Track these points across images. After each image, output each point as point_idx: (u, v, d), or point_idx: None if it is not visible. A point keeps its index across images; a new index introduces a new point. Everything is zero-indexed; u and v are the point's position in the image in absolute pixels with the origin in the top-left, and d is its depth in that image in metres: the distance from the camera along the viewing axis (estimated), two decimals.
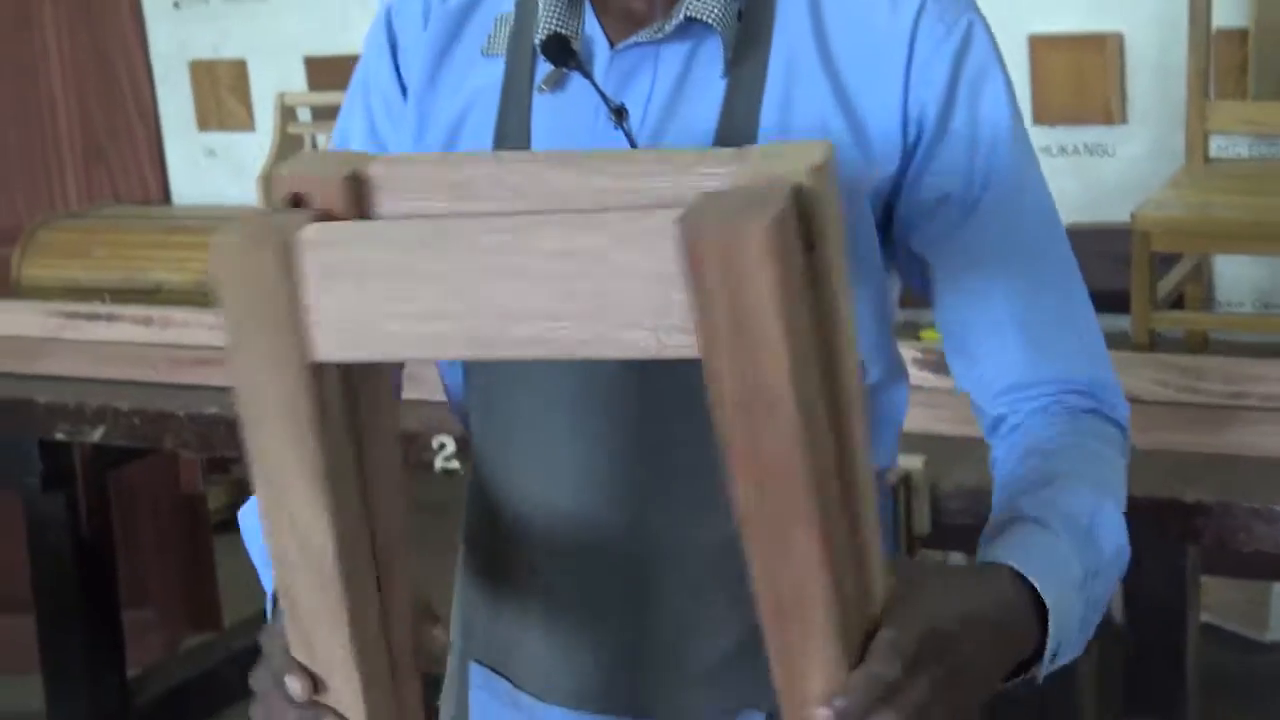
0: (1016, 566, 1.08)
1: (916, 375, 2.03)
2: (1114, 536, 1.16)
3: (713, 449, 0.91)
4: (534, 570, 1.29)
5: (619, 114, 1.23)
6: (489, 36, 1.30)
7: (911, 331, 2.50)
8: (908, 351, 1.48)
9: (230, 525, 1.45)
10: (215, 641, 3.50)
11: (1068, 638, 1.11)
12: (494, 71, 1.29)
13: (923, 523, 1.99)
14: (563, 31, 1.24)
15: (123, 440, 2.63)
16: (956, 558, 2.34)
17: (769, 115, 1.22)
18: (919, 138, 1.23)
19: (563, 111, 1.26)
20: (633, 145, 1.23)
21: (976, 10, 1.26)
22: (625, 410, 1.23)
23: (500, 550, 1.31)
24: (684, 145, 1.22)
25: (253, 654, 1.28)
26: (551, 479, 1.26)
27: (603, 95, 1.23)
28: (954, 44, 1.23)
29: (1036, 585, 1.08)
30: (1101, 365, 1.27)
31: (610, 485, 1.24)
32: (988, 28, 1.26)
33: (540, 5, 1.26)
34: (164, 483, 3.62)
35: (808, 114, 1.22)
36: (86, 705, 3.05)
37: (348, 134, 1.37)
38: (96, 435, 2.60)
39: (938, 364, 2.08)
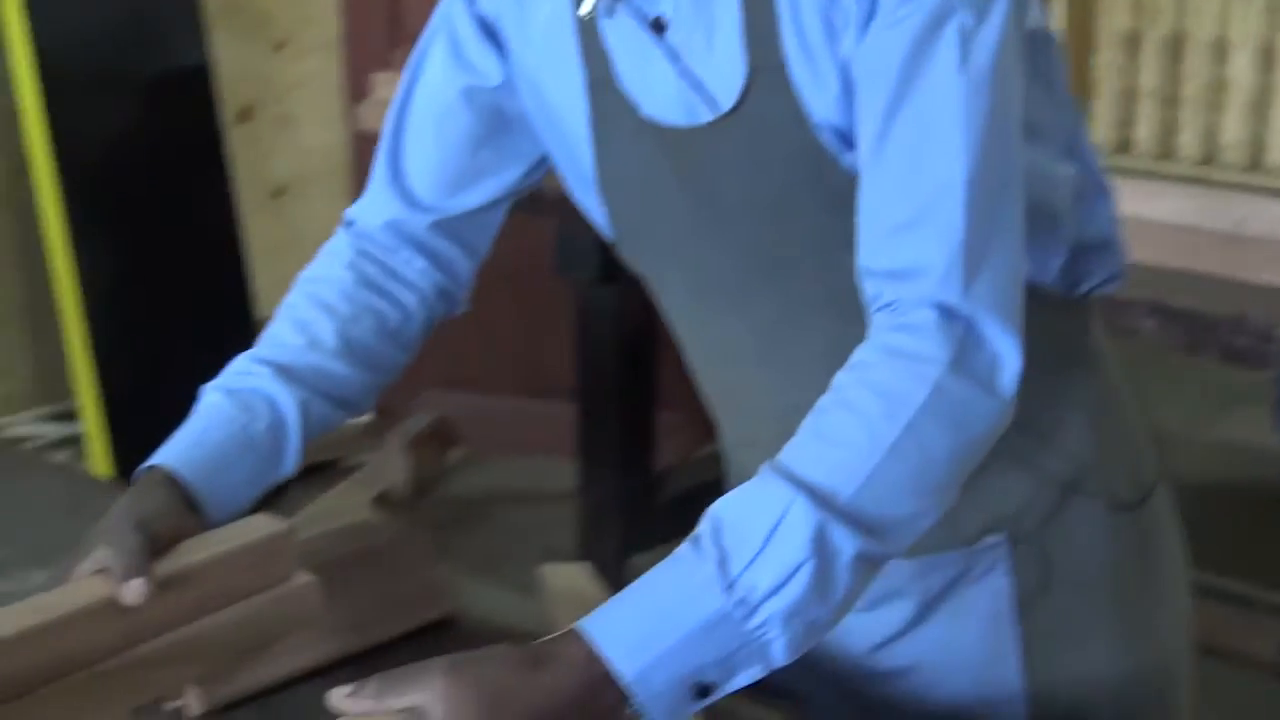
0: (594, 639, 1.05)
1: None
2: (796, 547, 1.06)
3: None
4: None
5: (657, 27, 1.22)
6: None
7: None
8: None
9: None
10: None
11: (675, 691, 1.05)
12: None
13: None
14: None
15: None
16: None
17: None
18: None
19: (625, 30, 1.26)
20: (675, 59, 1.23)
21: None
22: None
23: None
24: (715, 40, 1.21)
25: None
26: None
27: (638, 12, 1.23)
28: None
29: (607, 662, 1.04)
30: (930, 245, 1.13)
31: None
32: None
33: None
34: None
35: None
36: (615, 492, 3.23)
37: (427, 53, 1.41)
38: None
39: None
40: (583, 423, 3.24)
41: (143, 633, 1.19)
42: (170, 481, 1.29)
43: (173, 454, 1.32)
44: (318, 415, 1.39)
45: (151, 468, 1.31)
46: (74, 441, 3.73)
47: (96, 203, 3.59)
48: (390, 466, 1.64)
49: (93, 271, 3.56)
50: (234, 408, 1.35)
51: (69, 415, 3.78)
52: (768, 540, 1.06)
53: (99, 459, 3.58)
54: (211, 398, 1.37)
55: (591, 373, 3.22)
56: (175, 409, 1.43)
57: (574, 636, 1.05)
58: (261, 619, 1.27)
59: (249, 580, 1.26)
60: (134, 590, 1.17)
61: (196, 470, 1.31)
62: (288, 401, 1.36)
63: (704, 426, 4.00)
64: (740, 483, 1.23)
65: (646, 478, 3.29)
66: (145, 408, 3.45)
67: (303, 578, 1.30)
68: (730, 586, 1.05)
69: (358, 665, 1.39)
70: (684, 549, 1.08)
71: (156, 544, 1.22)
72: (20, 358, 3.81)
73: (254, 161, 4.09)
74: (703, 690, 1.05)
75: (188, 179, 3.81)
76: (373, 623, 1.42)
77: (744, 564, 1.05)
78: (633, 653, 1.04)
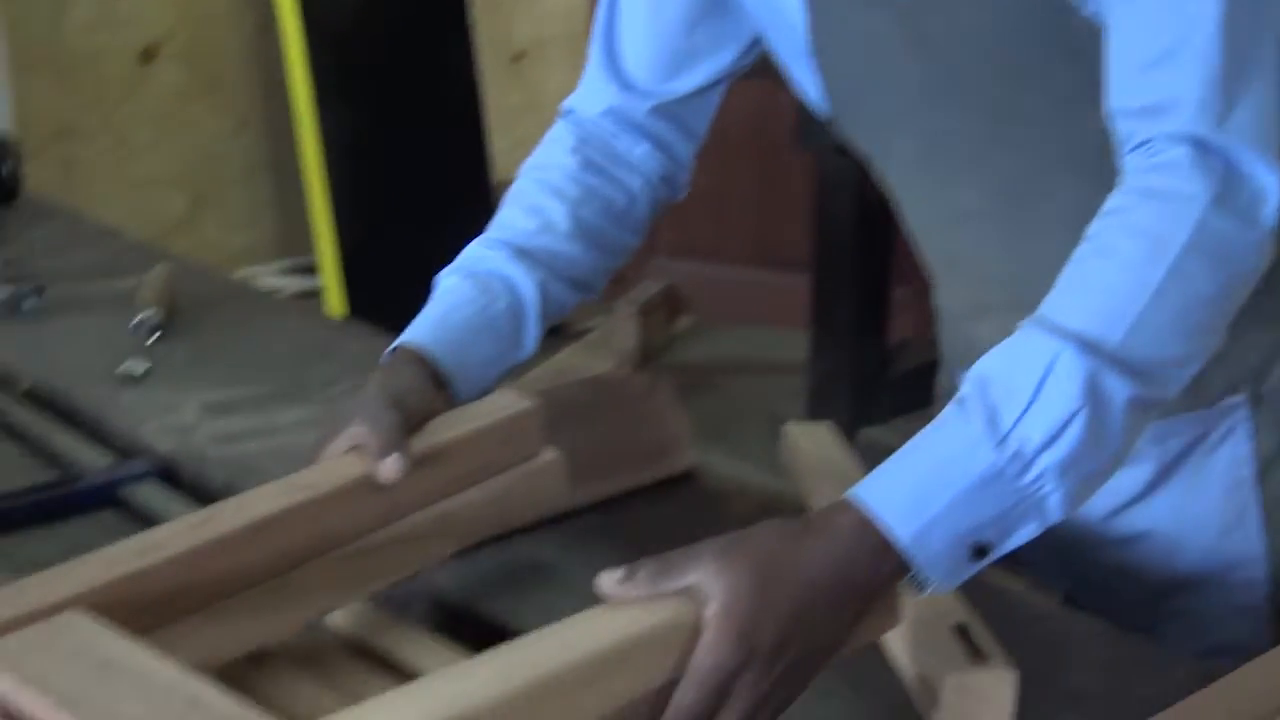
0: (866, 505, 1.01)
1: None
2: (1068, 396, 1.02)
3: None
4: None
5: None
6: None
7: None
8: None
9: None
10: None
11: (953, 553, 1.02)
12: None
13: None
14: None
15: None
16: None
17: None
18: None
19: None
20: None
21: None
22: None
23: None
24: None
25: None
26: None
27: None
28: None
29: (882, 527, 1.01)
30: (1184, 77, 1.08)
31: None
32: None
33: None
34: None
35: None
36: (846, 364, 3.22)
37: None
38: None
39: None
40: (817, 294, 3.22)
41: (397, 510, 1.20)
42: (419, 360, 1.30)
43: (419, 334, 1.33)
44: (555, 296, 1.39)
45: (399, 347, 1.32)
46: (312, 295, 3.83)
47: (341, 62, 3.65)
48: (619, 332, 1.64)
49: (335, 130, 3.63)
50: (474, 289, 1.36)
51: (308, 269, 3.87)
52: (1037, 392, 1.03)
53: (335, 312, 3.67)
54: (450, 281, 1.37)
55: (828, 245, 3.19)
56: (410, 268, 1.45)
57: (845, 505, 1.04)
58: (510, 495, 1.28)
59: (498, 456, 1.27)
60: (391, 467, 1.18)
61: (443, 349, 1.31)
62: (525, 282, 1.37)
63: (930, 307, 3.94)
64: (962, 355, 1.20)
65: (879, 351, 3.26)
66: (381, 265, 3.53)
67: (549, 454, 1.31)
68: (1002, 442, 1.02)
69: (600, 513, 1.41)
70: (949, 411, 1.06)
71: (409, 422, 1.23)
72: (265, 212, 3.91)
73: (495, 25, 4.11)
74: (980, 550, 1.03)
75: (431, 41, 3.85)
76: (615, 473, 1.43)
77: (1014, 418, 1.03)
78: (907, 516, 1.01)
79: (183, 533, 1.11)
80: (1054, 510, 1.04)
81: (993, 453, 1.02)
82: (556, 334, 1.44)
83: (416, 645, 1.18)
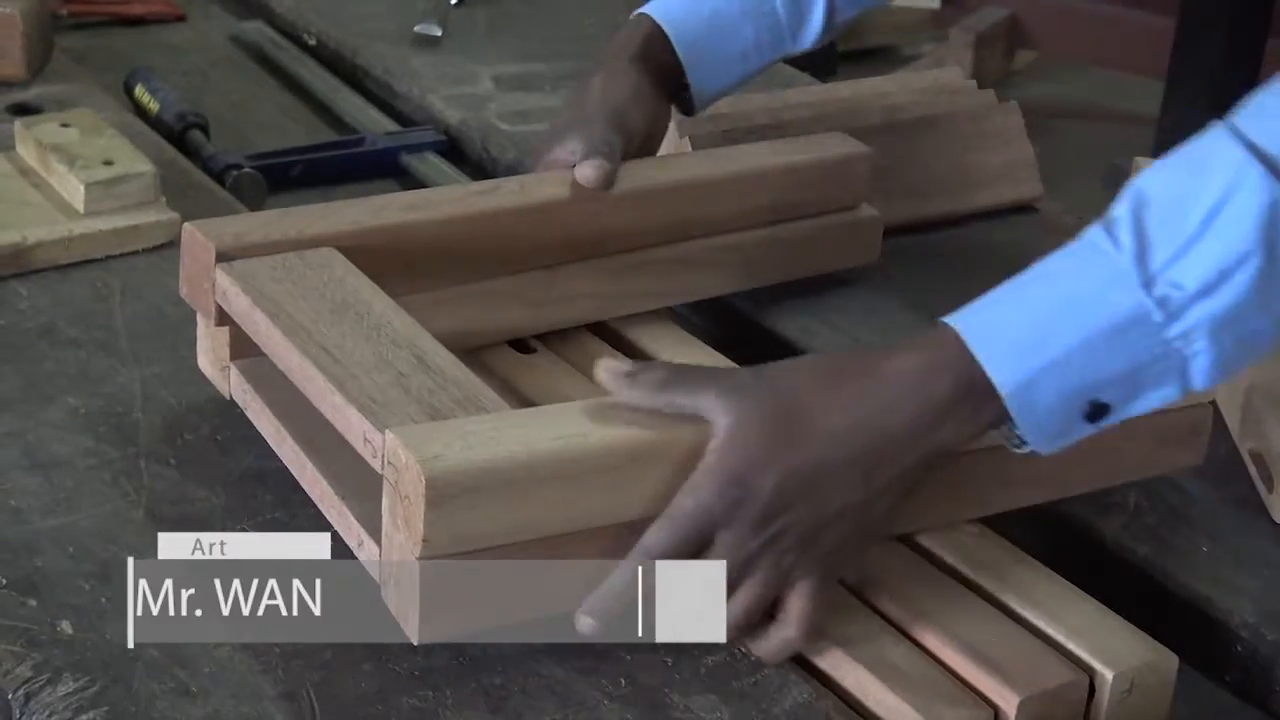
0: (968, 338, 0.85)
1: None
2: (1240, 235, 0.83)
3: None
4: None
5: None
6: None
7: None
8: None
9: None
10: None
11: (1063, 409, 0.86)
12: None
13: None
14: None
15: None
16: None
17: None
18: None
19: None
20: None
21: None
22: None
23: None
24: None
25: None
26: None
27: None
28: None
29: (982, 365, 0.85)
30: None
31: None
32: None
33: None
34: None
35: None
36: (1203, 118, 3.02)
37: None
38: None
39: None
40: (1181, 37, 3.07)
41: (687, 228, 1.15)
42: (654, 48, 1.18)
43: (669, 7, 1.19)
44: None
45: (641, 16, 1.19)
46: None
47: None
48: (951, 62, 1.56)
49: None
50: None
51: None
52: (1206, 225, 0.85)
53: None
54: None
55: None
56: None
57: (932, 340, 0.88)
58: (816, 243, 1.21)
59: (812, 198, 1.20)
60: (592, 173, 1.10)
61: (690, 31, 1.18)
62: None
63: None
64: None
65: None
66: None
67: (868, 211, 1.23)
68: (1149, 283, 0.85)
69: (932, 233, 1.34)
70: (1093, 232, 0.87)
71: (632, 143, 1.14)
72: None
73: None
74: (1097, 411, 0.87)
75: None
76: (951, 192, 1.36)
77: (1170, 255, 0.85)
78: (1018, 356, 0.86)
79: (460, 198, 1.10)
80: (1197, 375, 0.87)
81: (1136, 293, 0.85)
82: (881, 55, 1.35)
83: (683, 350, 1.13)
